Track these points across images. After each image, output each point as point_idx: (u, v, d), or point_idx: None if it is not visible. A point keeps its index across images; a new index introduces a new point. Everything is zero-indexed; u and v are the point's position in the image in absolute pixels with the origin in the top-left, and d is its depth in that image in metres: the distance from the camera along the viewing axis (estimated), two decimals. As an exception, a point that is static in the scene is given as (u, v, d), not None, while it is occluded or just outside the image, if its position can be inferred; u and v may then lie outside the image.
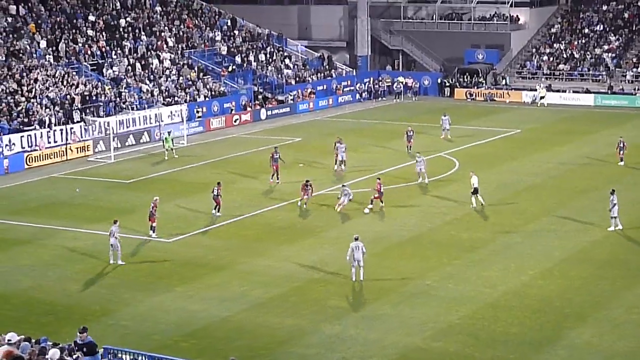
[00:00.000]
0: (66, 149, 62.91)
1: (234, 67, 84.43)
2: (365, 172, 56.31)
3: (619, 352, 30.08)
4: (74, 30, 77.33)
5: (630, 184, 52.84)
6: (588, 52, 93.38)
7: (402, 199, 49.95)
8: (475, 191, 47.71)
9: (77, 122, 65.79)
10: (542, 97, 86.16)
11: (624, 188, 50.02)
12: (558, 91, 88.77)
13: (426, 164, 53.04)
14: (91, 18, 79.79)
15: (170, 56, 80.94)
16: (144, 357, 25.38)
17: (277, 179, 53.58)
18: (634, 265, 38.90)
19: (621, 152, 57.13)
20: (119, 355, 25.54)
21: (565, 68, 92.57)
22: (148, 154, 64.96)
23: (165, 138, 63.18)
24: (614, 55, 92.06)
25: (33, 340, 24.33)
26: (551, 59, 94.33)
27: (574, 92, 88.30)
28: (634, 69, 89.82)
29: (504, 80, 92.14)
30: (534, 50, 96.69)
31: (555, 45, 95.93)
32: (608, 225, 43.37)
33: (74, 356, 22.99)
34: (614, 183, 51.46)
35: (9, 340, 22.85)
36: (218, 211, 46.69)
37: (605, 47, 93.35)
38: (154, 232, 43.27)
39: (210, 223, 45.92)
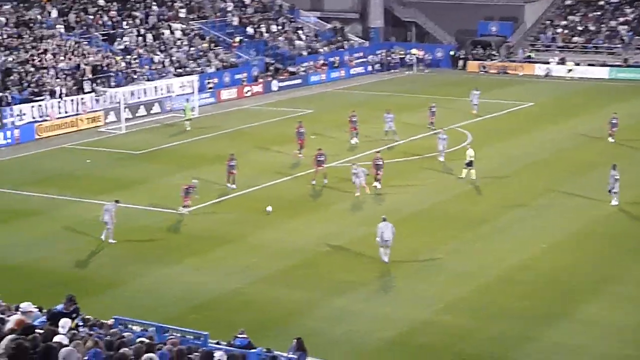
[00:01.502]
0: (77, 119, 62.80)
1: (244, 38, 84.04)
2: (377, 144, 55.99)
3: (629, 325, 30.03)
4: (84, 0, 77.02)
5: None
6: (603, 25, 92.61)
7: (412, 172, 49.72)
8: (469, 164, 47.44)
9: (88, 92, 65.65)
10: (569, 70, 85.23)
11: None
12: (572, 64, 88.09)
13: (447, 142, 51.88)
14: (102, -12, 79.55)
15: (182, 27, 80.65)
16: (154, 328, 25.30)
17: (300, 153, 52.68)
18: (646, 239, 38.74)
19: (612, 129, 56.16)
20: (129, 325, 25.47)
21: (579, 41, 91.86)
22: (162, 124, 64.85)
23: (185, 107, 62.82)
24: (629, 27, 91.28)
25: (45, 310, 24.32)
26: (565, 31, 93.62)
27: (588, 65, 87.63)
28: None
29: (528, 55, 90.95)
30: (548, 22, 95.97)
31: (569, 17, 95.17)
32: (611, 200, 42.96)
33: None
34: (626, 157, 51.34)
35: (22, 309, 22.82)
36: (232, 183, 46.44)
37: (621, 19, 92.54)
38: (183, 207, 42.54)
39: (222, 195, 45.77)
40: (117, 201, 39.63)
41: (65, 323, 22.18)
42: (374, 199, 44.57)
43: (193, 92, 69.27)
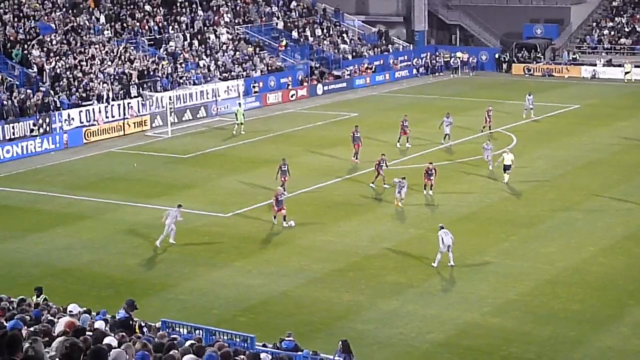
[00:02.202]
0: (124, 123, 63.35)
1: (289, 42, 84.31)
2: (425, 147, 56.02)
3: (681, 330, 29.73)
4: (131, 6, 77.70)
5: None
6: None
7: (459, 175, 49.64)
8: (506, 168, 47.15)
9: (135, 97, 66.20)
10: (627, 73, 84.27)
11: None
12: (619, 66, 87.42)
13: (493, 151, 50.56)
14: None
15: (227, 31, 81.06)
16: (201, 331, 25.53)
17: (357, 158, 52.35)
18: (697, 242, 38.35)
19: None
20: (177, 328, 25.69)
21: (626, 42, 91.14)
22: (211, 127, 65.24)
23: (237, 112, 62.98)
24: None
25: (93, 313, 24.60)
26: (612, 32, 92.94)
27: (635, 66, 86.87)
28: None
29: (573, 57, 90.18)
30: (594, 24, 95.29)
31: (616, 18, 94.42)
32: None
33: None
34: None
35: (70, 311, 23.10)
36: (284, 190, 46.01)
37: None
38: (285, 221, 41.23)
39: (268, 198, 45.83)
40: (179, 205, 39.88)
41: (74, 307, 22.65)
42: (421, 201, 44.50)
43: (239, 96, 69.59)
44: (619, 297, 32.45)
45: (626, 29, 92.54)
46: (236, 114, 62.60)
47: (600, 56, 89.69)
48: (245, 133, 61.79)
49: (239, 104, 65.74)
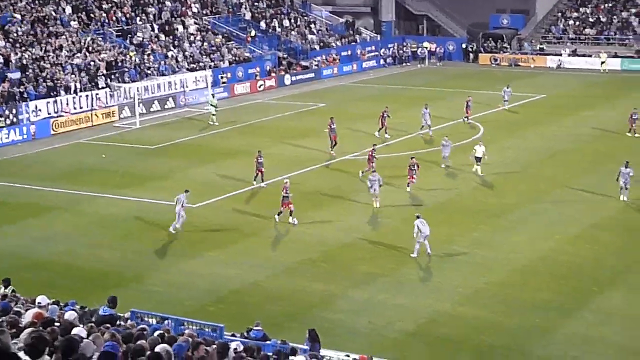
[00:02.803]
0: (92, 114, 63.13)
1: (257, 33, 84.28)
2: (393, 137, 56.24)
3: (647, 317, 30.19)
4: (99, -4, 77.38)
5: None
6: (615, 16, 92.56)
7: (428, 165, 49.86)
8: (477, 159, 47.43)
9: (102, 88, 65.97)
10: (602, 63, 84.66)
11: None
12: (584, 56, 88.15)
13: (451, 150, 49.80)
14: (116, -16, 79.83)
15: (195, 22, 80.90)
16: (170, 321, 25.61)
17: (332, 150, 52.35)
18: (663, 230, 38.88)
19: (633, 124, 55.57)
20: (146, 318, 25.75)
21: (591, 32, 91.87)
22: (179, 118, 65.18)
23: (210, 102, 63.11)
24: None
25: (62, 304, 24.58)
26: (577, 23, 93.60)
27: (587, 56, 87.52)
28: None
29: (540, 47, 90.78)
30: (559, 14, 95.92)
31: (581, 9, 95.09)
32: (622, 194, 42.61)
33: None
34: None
35: (39, 302, 23.09)
36: (262, 180, 46.04)
37: (633, 10, 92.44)
38: (290, 216, 40.23)
39: (241, 188, 45.94)
40: (186, 191, 39.99)
41: (42, 299, 22.72)
42: (392, 192, 44.72)
43: (207, 87, 69.58)
44: (584, 285, 32.88)
45: (591, 20, 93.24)
46: (210, 104, 62.65)
47: (566, 46, 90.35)
48: (212, 124, 61.84)
49: (212, 95, 65.78)
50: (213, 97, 64.68)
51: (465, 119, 60.57)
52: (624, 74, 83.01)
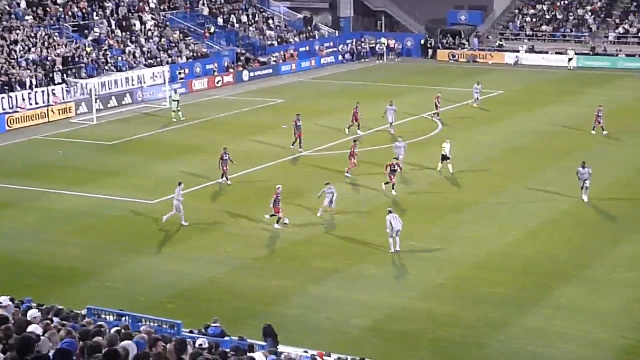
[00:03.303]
0: (48, 110, 62.53)
1: (214, 28, 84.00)
2: (352, 132, 56.23)
3: (603, 310, 30.38)
4: (54, -9, 76.69)
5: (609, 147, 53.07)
6: (571, 13, 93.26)
7: (385, 161, 49.80)
8: (444, 157, 47.02)
9: (59, 83, 65.38)
10: (570, 60, 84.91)
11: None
12: (540, 52, 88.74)
13: (406, 151, 47.92)
14: (72, -22, 79.15)
15: (152, 17, 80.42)
16: (127, 317, 25.39)
17: (300, 147, 51.82)
18: (618, 226, 39.14)
19: (598, 122, 55.01)
20: (103, 315, 25.51)
21: (548, 29, 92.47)
22: (136, 114, 64.76)
23: (171, 98, 62.33)
24: (596, 16, 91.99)
25: (17, 301, 24.27)
26: (534, 19, 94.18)
27: (556, 53, 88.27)
28: (616, 30, 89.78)
29: (499, 43, 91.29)
30: (516, 11, 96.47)
31: (538, 5, 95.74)
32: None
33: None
34: (597, 143, 52.06)
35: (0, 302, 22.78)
36: (227, 179, 45.42)
37: (588, 7, 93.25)
38: (277, 223, 39.22)
39: (198, 184, 45.70)
40: (179, 183, 39.84)
41: (33, 313, 22.28)
42: (348, 188, 44.72)
43: (164, 83, 69.22)
44: (540, 280, 33.03)
45: (547, 16, 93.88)
46: (172, 101, 62.02)
47: (523, 43, 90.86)
48: (167, 119, 61.53)
49: (174, 90, 65.41)
50: (175, 92, 64.25)
51: (435, 115, 60.50)
52: (578, 70, 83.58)
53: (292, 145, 52.04)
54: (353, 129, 56.28)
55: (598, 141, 53.80)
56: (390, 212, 36.19)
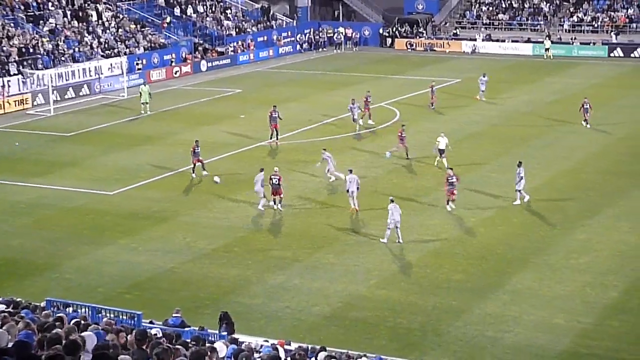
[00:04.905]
0: (3, 102, 62.01)
1: (172, 19, 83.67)
2: (307, 123, 56.31)
3: (558, 295, 30.76)
4: (9, -18, 75.96)
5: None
6: (527, 2, 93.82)
7: (344, 150, 50.00)
8: (441, 152, 46.41)
9: (15, 75, 64.84)
10: (547, 49, 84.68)
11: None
12: (497, 41, 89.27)
13: (334, 163, 44.21)
14: (27, -31, 78.38)
15: (109, 8, 79.93)
16: (87, 309, 25.35)
17: (277, 139, 51.31)
18: (572, 212, 39.57)
19: (586, 114, 54.03)
20: (62, 307, 25.44)
21: (504, 18, 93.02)
22: (94, 105, 64.40)
23: (142, 91, 61.22)
24: (551, 4, 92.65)
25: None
26: (490, 8, 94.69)
27: (512, 41, 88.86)
28: (571, 19, 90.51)
29: (454, 33, 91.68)
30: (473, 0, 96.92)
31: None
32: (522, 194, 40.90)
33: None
34: (556, 130, 52.57)
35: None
36: (204, 169, 44.82)
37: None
38: (279, 204, 39.92)
39: (154, 175, 45.61)
40: (261, 170, 40.32)
41: None
42: (306, 176, 44.81)
43: (122, 73, 68.89)
44: (498, 266, 33.37)
45: (503, 5, 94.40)
46: (141, 94, 61.27)
47: (480, 31, 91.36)
48: (124, 109, 61.23)
49: (144, 83, 65.06)
50: (145, 84, 63.35)
51: (430, 106, 60.52)
52: (534, 59, 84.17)
53: (271, 138, 51.46)
54: (366, 119, 55.97)
55: (548, 127, 54.18)
56: (392, 201, 36.09)
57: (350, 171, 39.75)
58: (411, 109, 60.64)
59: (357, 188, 39.32)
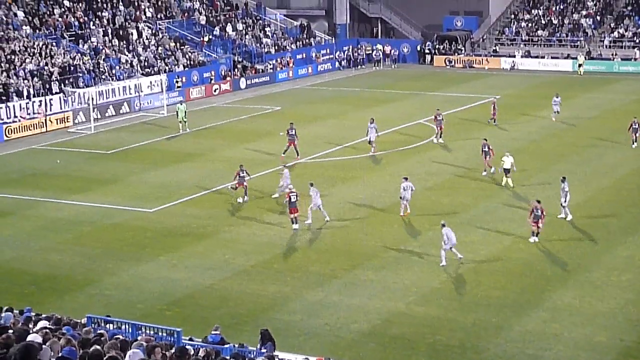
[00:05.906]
0: (46, 120, 62.60)
1: (211, 36, 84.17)
2: (348, 140, 56.32)
3: (599, 313, 30.43)
4: (51, 1, 76.80)
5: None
6: (566, 18, 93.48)
7: (381, 166, 50.01)
8: (506, 171, 45.61)
9: (56, 93, 65.48)
10: (580, 65, 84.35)
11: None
12: (537, 57, 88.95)
13: (289, 179, 43.47)
14: (68, -12, 79.26)
15: (149, 26, 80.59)
16: (127, 326, 25.44)
17: (297, 155, 51.32)
18: (614, 228, 39.22)
19: (635, 134, 52.73)
20: (103, 324, 25.54)
21: (543, 34, 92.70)
22: (134, 123, 64.87)
23: (178, 109, 61.47)
24: (591, 20, 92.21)
25: (16, 311, 24.32)
26: (530, 24, 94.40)
27: (552, 57, 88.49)
28: (612, 34, 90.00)
29: (493, 49, 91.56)
30: (512, 16, 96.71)
31: (533, 11, 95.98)
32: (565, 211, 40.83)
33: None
34: (596, 146, 52.17)
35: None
36: (246, 194, 44.03)
37: (583, 12, 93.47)
38: (295, 223, 39.86)
39: (196, 192, 45.73)
40: (405, 178, 41.76)
41: (6, 318, 22.42)
42: (346, 193, 44.78)
43: (162, 91, 69.33)
44: (538, 283, 33.11)
45: (543, 21, 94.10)
46: (177, 112, 61.56)
47: (519, 47, 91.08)
48: (169, 128, 61.53)
49: (181, 102, 65.46)
50: (181, 103, 63.64)
51: (492, 121, 60.41)
52: (574, 75, 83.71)
53: (284, 153, 51.76)
54: (438, 137, 55.97)
55: (588, 144, 53.80)
56: (444, 225, 35.43)
57: (406, 179, 41.28)
58: (450, 125, 60.19)
59: (411, 192, 41.12)
